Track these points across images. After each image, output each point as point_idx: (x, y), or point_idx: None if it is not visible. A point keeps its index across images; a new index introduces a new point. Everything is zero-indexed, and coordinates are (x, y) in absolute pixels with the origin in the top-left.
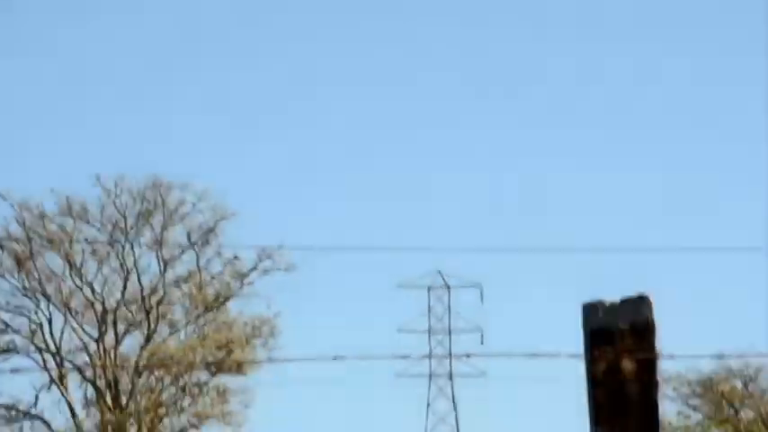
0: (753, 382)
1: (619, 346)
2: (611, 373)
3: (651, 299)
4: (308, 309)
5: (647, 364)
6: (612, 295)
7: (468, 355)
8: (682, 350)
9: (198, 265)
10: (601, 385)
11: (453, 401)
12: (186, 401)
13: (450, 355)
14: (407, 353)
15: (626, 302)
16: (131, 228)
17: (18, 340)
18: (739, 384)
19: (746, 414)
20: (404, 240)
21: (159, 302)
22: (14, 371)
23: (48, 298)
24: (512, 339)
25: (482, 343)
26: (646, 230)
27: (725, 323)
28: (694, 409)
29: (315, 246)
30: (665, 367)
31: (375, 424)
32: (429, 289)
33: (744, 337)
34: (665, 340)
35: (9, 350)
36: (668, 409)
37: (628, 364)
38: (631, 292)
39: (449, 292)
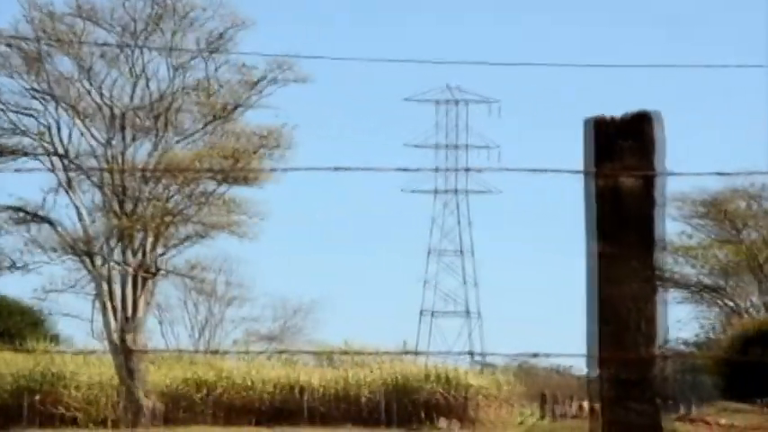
0: (757, 202)
1: (620, 162)
2: (612, 190)
3: (655, 116)
4: (318, 121)
5: (648, 182)
6: (618, 111)
7: (467, 170)
8: (685, 168)
9: (207, 73)
10: (600, 202)
11: (458, 217)
12: (192, 210)
13: (456, 170)
14: (410, 167)
15: (629, 118)
16: (141, 32)
17: (26, 142)
18: (743, 204)
19: (750, 235)
20: (415, 53)
21: (168, 109)
22: (19, 170)
23: (57, 100)
24: (520, 155)
25: (490, 159)
26: (654, 47)
27: (731, 142)
28: (698, 229)
29: (326, 56)
30: (669, 186)
31: (381, 238)
32: (437, 103)
33: (749, 156)
34: (669, 158)
35: (17, 151)
36: (672, 229)
37: (628, 181)
38: (638, 108)
39: (457, 107)
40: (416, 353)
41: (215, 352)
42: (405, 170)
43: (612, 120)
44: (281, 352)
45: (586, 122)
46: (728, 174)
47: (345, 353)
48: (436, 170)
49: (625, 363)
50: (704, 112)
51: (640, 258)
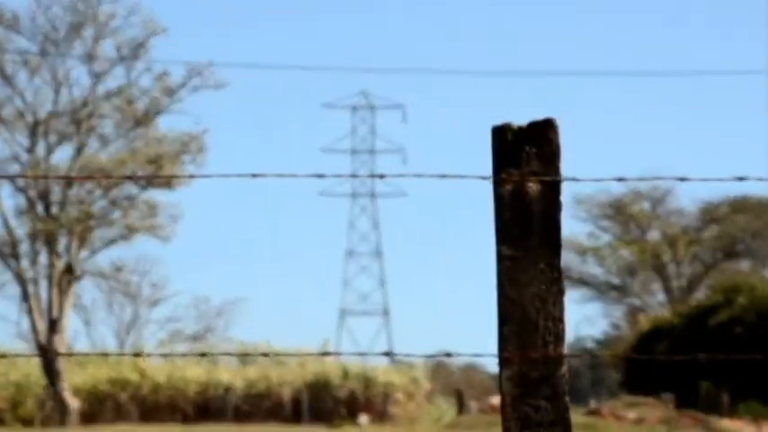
0: (661, 204)
1: (526, 168)
2: (517, 196)
3: (558, 123)
4: (236, 126)
5: (552, 187)
6: (524, 118)
7: (381, 176)
8: (587, 172)
9: (128, 80)
10: (506, 207)
11: (375, 220)
12: (116, 214)
13: (371, 176)
14: (328, 173)
15: (533, 126)
16: (62, 40)
17: None
18: (647, 206)
19: (653, 235)
20: (330, 60)
21: (90, 116)
22: None
23: None
24: (434, 160)
25: (404, 163)
26: (562, 54)
27: (633, 146)
28: (604, 230)
29: (243, 63)
30: (576, 190)
31: (298, 242)
32: (353, 109)
33: (652, 160)
34: (575, 163)
35: None
36: (579, 230)
37: (533, 187)
38: (546, 114)
39: (373, 112)
40: (337, 353)
41: (137, 354)
42: (321, 176)
43: (519, 127)
44: (202, 354)
45: (493, 130)
46: (628, 179)
47: (265, 355)
48: (352, 176)
49: (532, 362)
50: (609, 117)
51: (546, 261)
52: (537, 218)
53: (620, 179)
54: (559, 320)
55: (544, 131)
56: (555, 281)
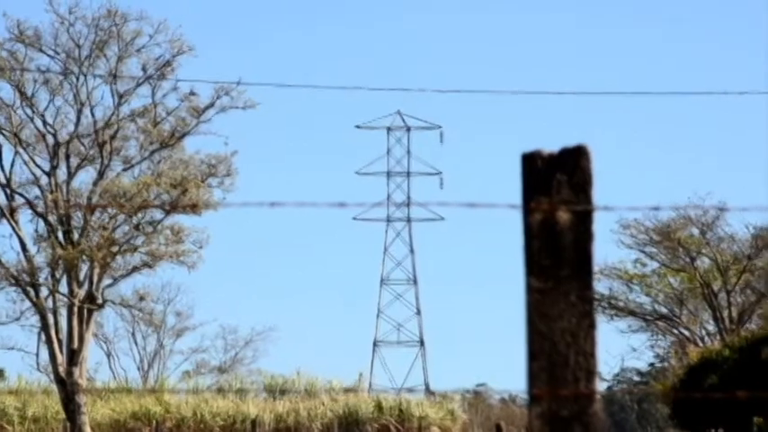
0: (710, 229)
1: (557, 196)
2: (547, 225)
3: (590, 149)
4: (266, 148)
5: (583, 216)
6: (567, 138)
7: (409, 204)
8: (627, 199)
9: (153, 100)
10: (536, 236)
11: (410, 246)
12: (139, 240)
13: (401, 203)
14: (363, 194)
15: (564, 153)
16: (85, 58)
17: None
18: (696, 232)
19: (702, 262)
20: (364, 80)
21: (113, 137)
22: None
23: None
24: (472, 182)
25: (442, 186)
26: (600, 74)
27: (677, 170)
28: (651, 257)
29: (273, 83)
30: (621, 214)
31: (331, 268)
32: (388, 130)
33: (698, 183)
34: (612, 189)
35: None
36: (625, 256)
37: (563, 216)
38: (583, 136)
39: (408, 133)
40: (369, 388)
41: (152, 391)
42: (342, 205)
43: (549, 154)
44: (218, 390)
45: (523, 157)
46: (664, 208)
47: (283, 392)
48: (376, 205)
49: (562, 399)
50: (651, 138)
51: (577, 293)
52: (568, 248)
53: (655, 208)
54: (591, 355)
55: (576, 158)
56: (586, 314)
